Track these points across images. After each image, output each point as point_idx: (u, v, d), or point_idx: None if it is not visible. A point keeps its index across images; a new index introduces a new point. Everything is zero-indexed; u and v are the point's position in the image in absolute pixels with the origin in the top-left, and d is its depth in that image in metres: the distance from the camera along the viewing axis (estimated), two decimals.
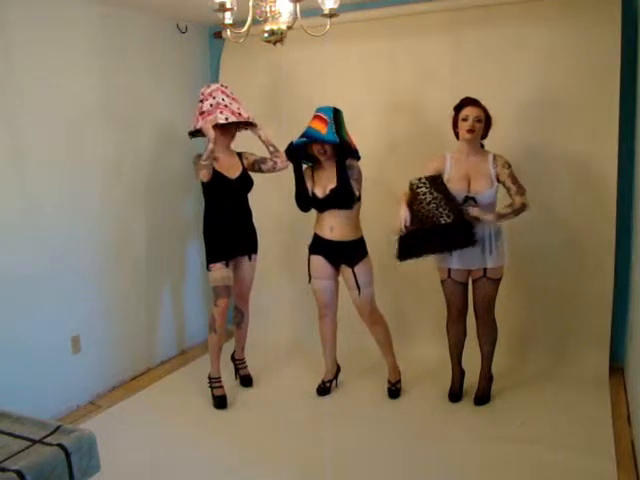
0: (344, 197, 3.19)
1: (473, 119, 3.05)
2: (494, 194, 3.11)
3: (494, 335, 3.31)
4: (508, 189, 3.09)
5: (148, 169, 3.97)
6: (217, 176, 3.34)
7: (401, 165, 3.81)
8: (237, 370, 3.79)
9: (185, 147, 3.89)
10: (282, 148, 3.37)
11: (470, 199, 3.08)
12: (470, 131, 3.05)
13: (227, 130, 3.41)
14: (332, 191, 3.21)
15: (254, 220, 3.59)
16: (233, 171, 3.43)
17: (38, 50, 3.18)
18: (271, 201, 4.15)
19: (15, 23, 3.05)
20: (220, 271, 3.41)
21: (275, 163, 3.47)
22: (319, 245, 3.36)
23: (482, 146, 3.20)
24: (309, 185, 3.30)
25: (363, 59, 3.95)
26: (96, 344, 3.62)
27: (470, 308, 3.31)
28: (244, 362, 3.79)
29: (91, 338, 3.59)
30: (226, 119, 3.27)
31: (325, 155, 3.24)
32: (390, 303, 3.92)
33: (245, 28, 2.31)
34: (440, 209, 2.98)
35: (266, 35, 2.39)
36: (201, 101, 3.35)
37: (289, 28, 2.41)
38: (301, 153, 3.30)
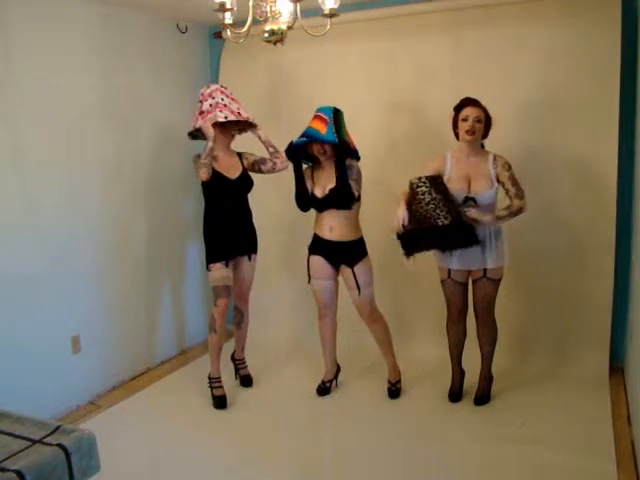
0: (343, 197, 3.19)
1: (473, 119, 3.05)
2: (494, 194, 3.11)
3: (494, 335, 3.31)
4: (507, 191, 3.09)
5: (148, 169, 3.97)
6: (217, 176, 3.34)
7: (401, 165, 3.81)
8: (237, 370, 3.79)
9: (185, 147, 3.89)
10: (282, 148, 3.37)
11: (470, 199, 3.08)
12: (470, 132, 3.04)
13: (226, 129, 3.42)
14: (331, 191, 3.21)
15: (254, 220, 3.59)
16: (233, 171, 3.44)
17: (38, 50, 3.18)
18: (271, 201, 4.15)
19: (15, 23, 3.05)
20: (220, 271, 3.42)
21: (275, 164, 3.48)
22: (319, 245, 3.36)
23: (482, 146, 3.20)
24: (309, 185, 3.30)
25: (363, 59, 3.95)
26: (96, 344, 3.62)
27: (470, 308, 3.31)
28: (244, 362, 3.79)
29: (91, 338, 3.59)
30: (225, 117, 3.28)
31: (325, 155, 3.24)
32: (390, 303, 3.92)
33: (245, 28, 2.31)
34: (438, 210, 2.97)
35: (266, 35, 2.39)
36: (201, 101, 3.35)
37: (289, 28, 2.41)
38: (301, 153, 3.30)
